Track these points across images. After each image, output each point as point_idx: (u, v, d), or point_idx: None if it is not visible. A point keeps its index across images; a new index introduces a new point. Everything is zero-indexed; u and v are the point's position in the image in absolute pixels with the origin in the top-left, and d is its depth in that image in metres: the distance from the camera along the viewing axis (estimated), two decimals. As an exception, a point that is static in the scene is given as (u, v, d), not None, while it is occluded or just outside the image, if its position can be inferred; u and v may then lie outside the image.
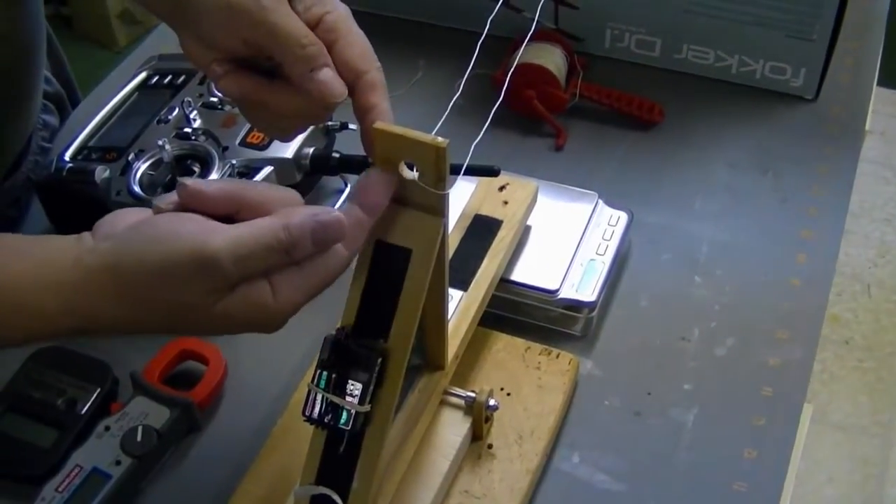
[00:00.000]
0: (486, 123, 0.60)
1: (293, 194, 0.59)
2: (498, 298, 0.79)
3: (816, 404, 1.87)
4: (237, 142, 0.84)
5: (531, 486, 0.71)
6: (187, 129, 0.85)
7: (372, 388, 0.57)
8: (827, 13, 0.95)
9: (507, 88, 0.67)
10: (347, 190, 0.92)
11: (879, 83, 1.09)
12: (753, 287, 0.85)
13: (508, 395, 0.75)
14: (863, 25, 1.09)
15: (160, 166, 0.82)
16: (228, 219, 0.56)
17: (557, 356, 0.77)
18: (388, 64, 0.64)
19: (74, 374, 0.76)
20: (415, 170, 0.55)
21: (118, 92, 0.93)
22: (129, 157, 0.83)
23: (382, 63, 0.63)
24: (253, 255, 0.54)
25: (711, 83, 1.03)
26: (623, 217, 0.85)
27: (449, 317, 0.68)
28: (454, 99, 0.62)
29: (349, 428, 0.58)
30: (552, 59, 0.97)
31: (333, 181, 0.92)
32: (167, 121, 0.87)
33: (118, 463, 0.71)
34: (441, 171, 0.54)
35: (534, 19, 0.81)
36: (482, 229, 0.79)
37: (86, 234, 0.57)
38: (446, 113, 0.59)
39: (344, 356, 0.58)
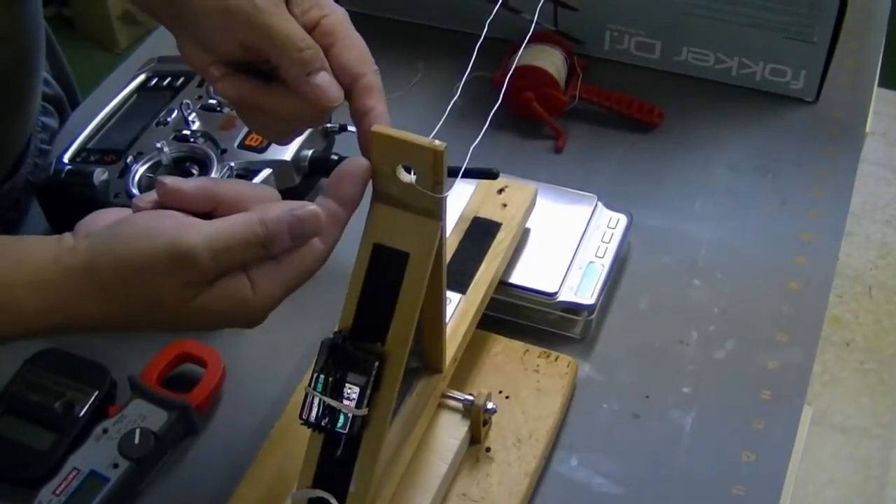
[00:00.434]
0: (486, 125, 0.60)
1: (271, 191, 0.60)
2: (496, 301, 0.78)
3: (817, 406, 1.87)
4: (236, 144, 0.83)
5: (529, 490, 0.71)
6: (186, 132, 0.85)
7: (369, 391, 0.57)
8: (827, 15, 0.94)
9: (506, 90, 0.67)
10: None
11: (881, 84, 1.08)
12: (753, 290, 0.84)
13: (507, 397, 0.75)
14: (863, 27, 1.09)
15: (159, 168, 0.82)
16: (206, 216, 0.56)
17: (556, 359, 0.77)
18: (387, 66, 0.64)
19: (72, 376, 0.76)
20: (412, 173, 0.55)
21: (117, 94, 0.93)
22: (128, 160, 0.83)
23: (381, 65, 0.63)
24: (230, 249, 0.55)
25: (711, 85, 1.03)
26: (622, 219, 0.85)
27: (447, 320, 0.68)
28: (453, 101, 0.62)
29: (346, 431, 0.58)
30: (551, 60, 0.97)
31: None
32: (166, 123, 0.87)
33: (116, 466, 0.71)
34: (438, 174, 0.54)
35: (533, 21, 0.81)
36: (481, 232, 0.79)
37: (66, 234, 0.57)
38: (445, 115, 0.59)
39: (341, 359, 0.58)
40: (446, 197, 0.55)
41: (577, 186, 0.87)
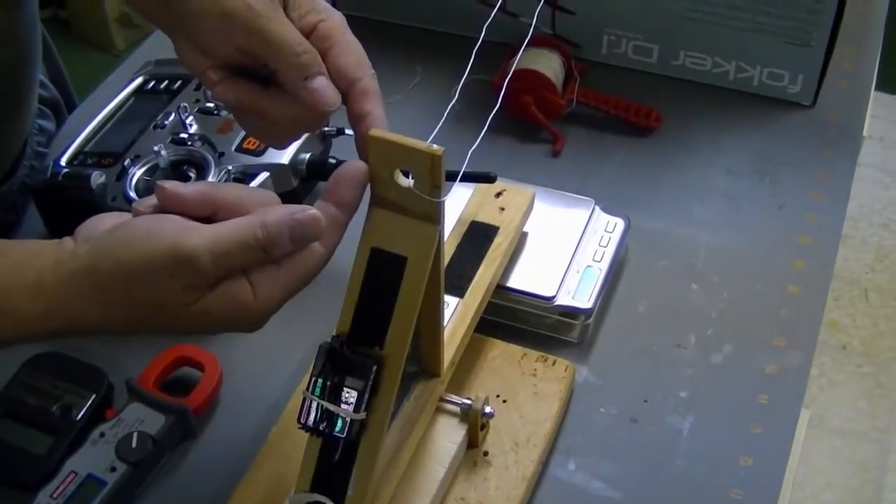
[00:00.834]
0: (484, 129, 0.60)
1: (270, 195, 0.60)
2: (494, 305, 0.78)
3: (814, 409, 1.87)
4: (233, 147, 0.83)
5: (527, 494, 0.71)
6: (183, 135, 0.85)
7: (367, 395, 0.57)
8: (825, 19, 0.94)
9: (504, 94, 0.67)
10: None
11: (877, 88, 1.09)
12: (751, 294, 0.84)
13: (504, 402, 0.75)
14: (860, 31, 1.09)
15: (156, 172, 0.82)
16: (206, 220, 0.56)
17: (554, 363, 0.77)
18: (385, 69, 0.64)
19: (69, 380, 0.76)
20: (410, 177, 0.55)
21: (114, 97, 0.92)
22: (125, 163, 0.83)
23: (379, 68, 0.63)
24: (230, 252, 0.55)
25: (709, 89, 1.03)
26: (620, 223, 0.85)
27: (445, 324, 0.68)
28: (451, 104, 0.62)
29: (344, 435, 0.58)
30: (549, 64, 0.97)
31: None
32: (163, 126, 0.87)
33: (113, 469, 0.70)
34: (436, 178, 0.54)
35: (531, 25, 0.81)
36: (478, 236, 0.79)
37: (67, 238, 0.57)
38: (443, 119, 0.59)
39: (339, 364, 0.58)
40: (444, 201, 0.56)
41: (574, 190, 0.87)
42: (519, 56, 0.82)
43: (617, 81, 1.03)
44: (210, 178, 0.81)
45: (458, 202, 0.82)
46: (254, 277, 0.56)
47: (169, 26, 0.65)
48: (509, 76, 0.81)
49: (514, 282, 0.80)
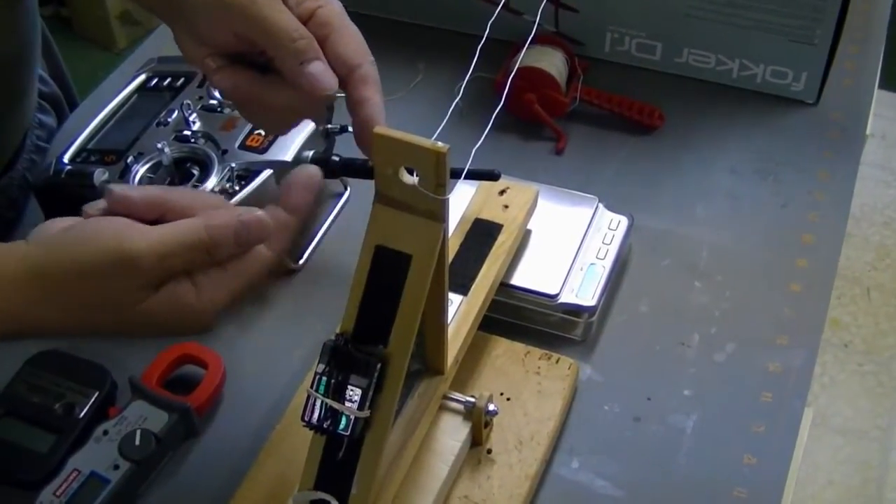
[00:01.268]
0: (487, 127, 0.60)
1: (219, 198, 0.60)
2: (498, 303, 0.78)
3: (816, 408, 1.87)
4: (237, 145, 0.83)
5: (530, 492, 0.71)
6: (186, 132, 0.84)
7: (371, 393, 0.57)
8: (828, 17, 0.94)
9: (507, 92, 0.67)
10: (347, 193, 0.92)
11: (881, 86, 1.08)
12: (754, 292, 0.84)
13: (508, 399, 0.75)
14: (864, 29, 1.09)
15: (159, 169, 0.82)
16: (155, 223, 0.57)
17: (557, 361, 0.77)
18: (388, 66, 0.64)
19: (72, 378, 0.76)
20: (415, 175, 0.55)
21: (117, 94, 0.92)
22: (128, 160, 0.83)
23: (382, 65, 0.63)
24: (174, 253, 0.55)
25: (712, 87, 1.03)
26: (623, 221, 0.85)
27: (449, 321, 0.68)
28: (455, 102, 0.62)
29: (348, 433, 0.58)
30: (553, 62, 0.97)
31: (333, 184, 0.92)
32: (166, 123, 0.87)
33: (116, 467, 0.70)
34: (441, 176, 0.54)
35: (534, 23, 0.81)
36: (482, 233, 0.79)
37: (20, 241, 0.58)
38: (447, 116, 0.59)
39: (343, 362, 0.57)
40: (449, 199, 0.55)
41: (578, 188, 0.87)
42: (522, 54, 0.82)
43: (620, 79, 1.03)
44: (213, 176, 0.80)
45: (462, 200, 0.82)
46: (198, 279, 0.57)
47: (167, 15, 0.65)
48: (512, 74, 0.81)
49: (518, 279, 0.80)
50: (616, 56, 1.05)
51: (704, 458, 0.74)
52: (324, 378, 0.58)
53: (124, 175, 0.82)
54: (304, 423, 0.58)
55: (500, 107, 0.63)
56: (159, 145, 0.82)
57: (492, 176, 0.78)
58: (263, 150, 0.83)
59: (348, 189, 0.92)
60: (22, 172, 0.94)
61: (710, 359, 0.80)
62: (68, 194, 0.84)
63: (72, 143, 0.87)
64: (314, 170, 0.58)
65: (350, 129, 0.86)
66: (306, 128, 0.84)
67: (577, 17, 1.03)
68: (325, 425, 0.58)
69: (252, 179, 0.81)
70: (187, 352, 0.77)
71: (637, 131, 0.99)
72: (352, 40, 0.63)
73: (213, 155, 0.82)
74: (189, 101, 0.87)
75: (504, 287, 0.79)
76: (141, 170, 0.82)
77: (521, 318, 0.81)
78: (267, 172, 0.82)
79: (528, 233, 0.83)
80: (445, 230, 0.57)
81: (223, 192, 0.79)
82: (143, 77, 0.94)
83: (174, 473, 0.74)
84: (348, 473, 0.59)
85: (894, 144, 2.40)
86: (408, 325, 0.57)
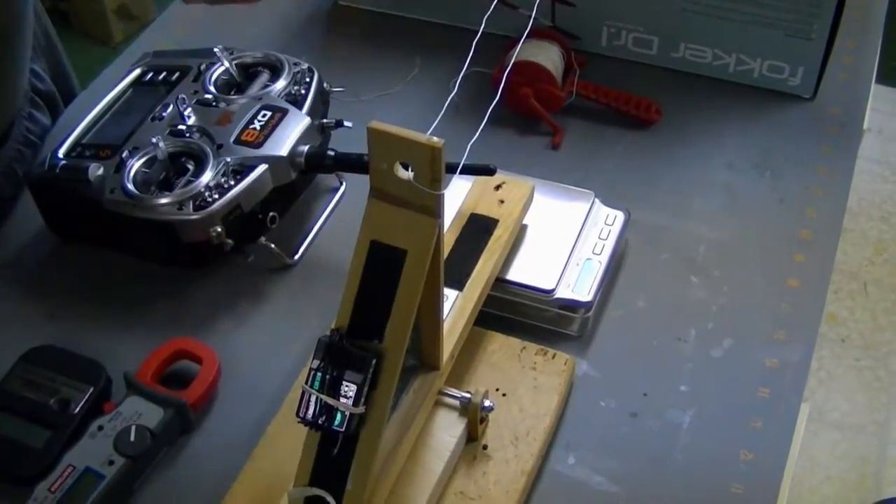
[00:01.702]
0: (483, 122, 0.60)
1: None
2: (494, 298, 0.78)
3: (813, 403, 1.87)
4: (232, 139, 0.83)
5: (526, 488, 0.71)
6: (182, 127, 0.84)
7: (366, 389, 0.57)
8: (825, 12, 0.94)
9: (503, 86, 0.67)
10: (342, 188, 0.92)
11: (878, 81, 1.08)
12: (751, 287, 0.84)
13: (504, 395, 0.75)
14: (861, 24, 1.09)
15: (154, 164, 0.82)
16: None
17: (553, 356, 0.77)
18: (384, 61, 0.64)
19: (67, 373, 0.76)
20: (410, 170, 0.55)
21: (112, 88, 0.92)
22: (123, 155, 0.83)
23: (378, 59, 0.63)
24: None
25: (709, 82, 1.02)
26: (620, 216, 0.85)
27: (444, 317, 0.68)
28: (450, 97, 0.61)
29: (343, 429, 0.57)
30: (549, 56, 0.97)
31: (329, 179, 0.92)
32: (161, 118, 0.86)
33: (111, 463, 0.70)
34: (436, 171, 0.54)
35: (530, 17, 0.81)
36: (478, 228, 0.79)
37: None
38: (443, 111, 0.58)
39: (338, 357, 0.57)
40: (444, 194, 0.55)
41: (574, 183, 0.87)
42: (518, 48, 0.81)
43: (617, 74, 1.02)
44: (208, 170, 0.80)
45: (458, 195, 0.81)
46: None
47: None
48: (509, 68, 0.81)
49: (514, 275, 0.80)
50: (613, 50, 1.05)
51: (701, 454, 0.73)
52: (319, 374, 0.57)
53: (119, 170, 0.82)
54: (298, 419, 0.58)
55: (496, 101, 0.63)
56: (154, 140, 0.82)
57: (487, 171, 0.77)
58: (258, 145, 0.82)
59: (343, 184, 0.92)
60: (8, 161, 0.92)
61: (706, 354, 0.80)
62: (63, 189, 0.83)
63: (66, 138, 0.87)
64: None
65: (346, 123, 0.86)
66: (302, 122, 0.83)
67: (573, 12, 1.02)
68: (320, 421, 0.58)
69: (247, 174, 0.81)
70: (182, 347, 0.77)
71: (634, 126, 0.98)
72: None
73: (208, 149, 0.82)
74: (184, 96, 0.87)
75: (500, 282, 0.79)
76: (136, 164, 0.82)
77: (516, 313, 0.81)
78: (262, 167, 0.81)
79: (524, 228, 0.82)
80: (441, 225, 0.57)
81: (218, 186, 0.79)
82: (138, 71, 0.94)
83: (169, 469, 0.73)
84: (343, 469, 0.59)
85: (891, 139, 2.39)
86: (403, 321, 0.57)
